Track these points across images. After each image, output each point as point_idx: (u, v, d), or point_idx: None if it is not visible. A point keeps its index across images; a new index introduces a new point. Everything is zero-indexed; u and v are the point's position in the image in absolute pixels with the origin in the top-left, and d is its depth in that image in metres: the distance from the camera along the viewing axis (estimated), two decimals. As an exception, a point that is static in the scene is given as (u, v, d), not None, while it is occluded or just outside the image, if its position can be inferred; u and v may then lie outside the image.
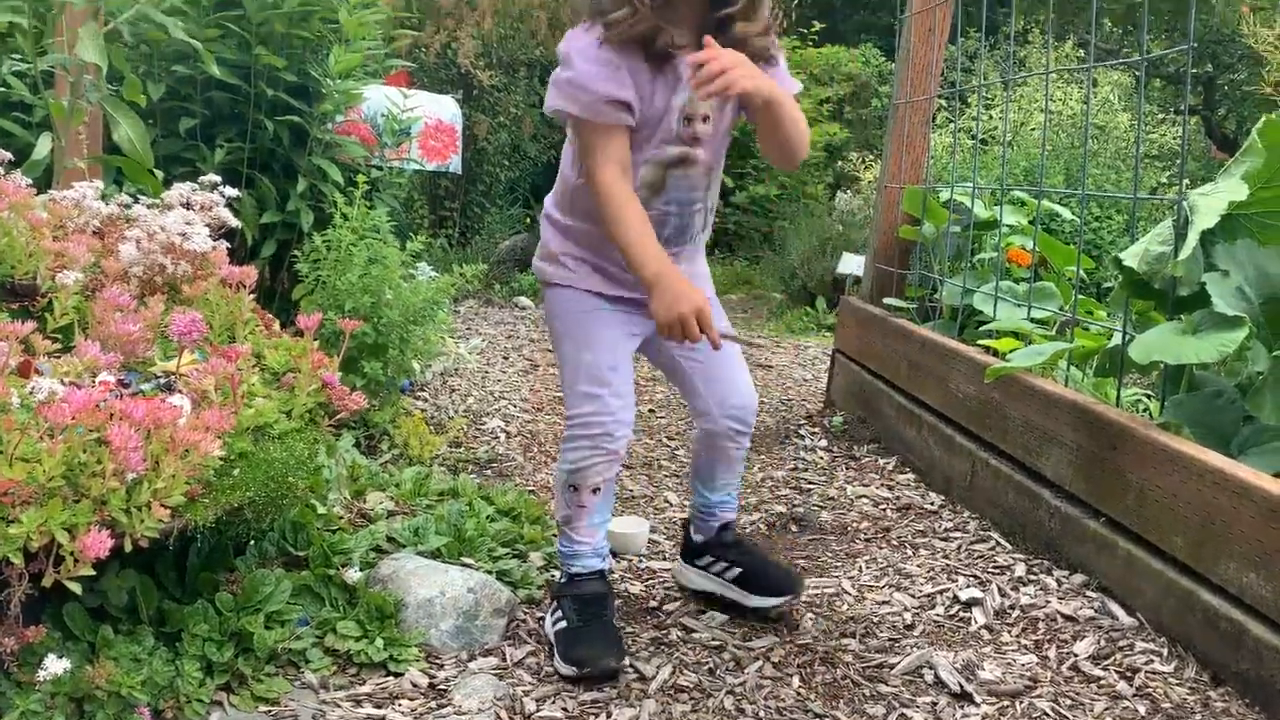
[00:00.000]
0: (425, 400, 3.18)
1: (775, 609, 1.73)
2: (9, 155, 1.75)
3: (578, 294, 1.66)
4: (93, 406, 1.17)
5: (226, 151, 2.95)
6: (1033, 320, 2.49)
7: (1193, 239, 1.80)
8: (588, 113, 1.49)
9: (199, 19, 2.94)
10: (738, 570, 1.76)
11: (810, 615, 1.77)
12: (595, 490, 1.62)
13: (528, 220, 6.94)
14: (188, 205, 1.81)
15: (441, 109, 4.74)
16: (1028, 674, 1.57)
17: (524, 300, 5.86)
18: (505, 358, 4.15)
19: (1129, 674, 1.57)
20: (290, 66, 3.00)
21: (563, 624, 1.57)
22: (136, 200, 1.88)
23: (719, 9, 1.50)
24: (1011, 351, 2.31)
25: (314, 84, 3.07)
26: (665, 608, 1.78)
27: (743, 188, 8.23)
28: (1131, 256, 1.99)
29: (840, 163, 9.85)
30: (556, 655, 1.54)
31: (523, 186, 7.21)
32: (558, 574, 1.72)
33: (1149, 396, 2.50)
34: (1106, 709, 1.48)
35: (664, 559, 2.00)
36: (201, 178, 1.89)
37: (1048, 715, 1.46)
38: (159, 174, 2.09)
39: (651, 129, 1.54)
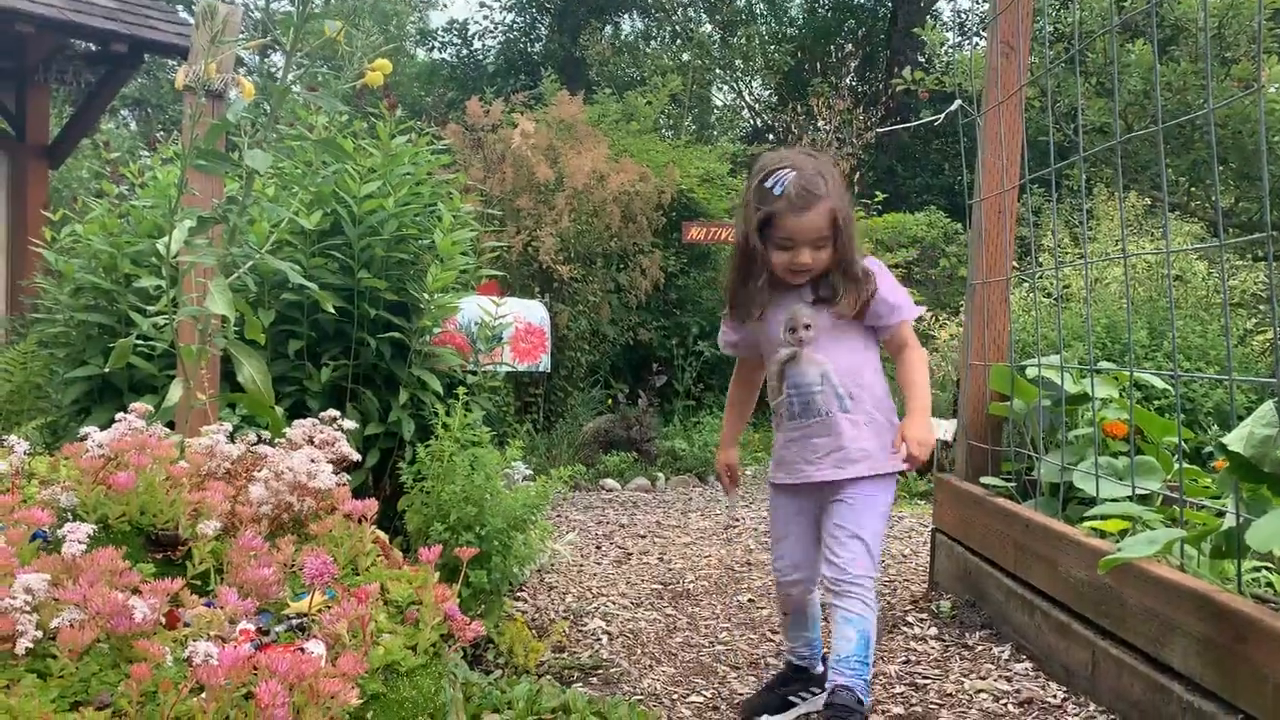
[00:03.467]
0: (524, 600, 3.20)
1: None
2: (150, 407, 1.88)
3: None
4: (241, 663, 1.23)
5: (332, 369, 3.11)
6: (1136, 500, 2.46)
7: (1299, 422, 1.79)
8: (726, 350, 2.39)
9: (305, 248, 3.16)
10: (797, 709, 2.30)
11: (942, 833, 1.71)
12: (785, 613, 2.32)
13: (609, 401, 7.07)
14: (310, 441, 1.92)
15: (531, 313, 4.94)
16: None
17: (610, 483, 5.92)
18: (598, 547, 4.17)
19: None
20: (390, 286, 3.19)
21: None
22: (260, 439, 1.99)
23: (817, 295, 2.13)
24: (1121, 534, 2.27)
25: (412, 300, 3.25)
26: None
27: (819, 355, 8.30)
28: (1236, 441, 1.97)
29: (916, 322, 9.91)
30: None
31: (603, 368, 7.39)
32: None
33: (1270, 569, 2.42)
34: None
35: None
36: (321, 413, 2.00)
37: None
38: (279, 410, 2.21)
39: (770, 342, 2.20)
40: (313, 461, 1.78)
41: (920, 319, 10.17)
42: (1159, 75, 5.88)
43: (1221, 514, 2.27)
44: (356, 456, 1.96)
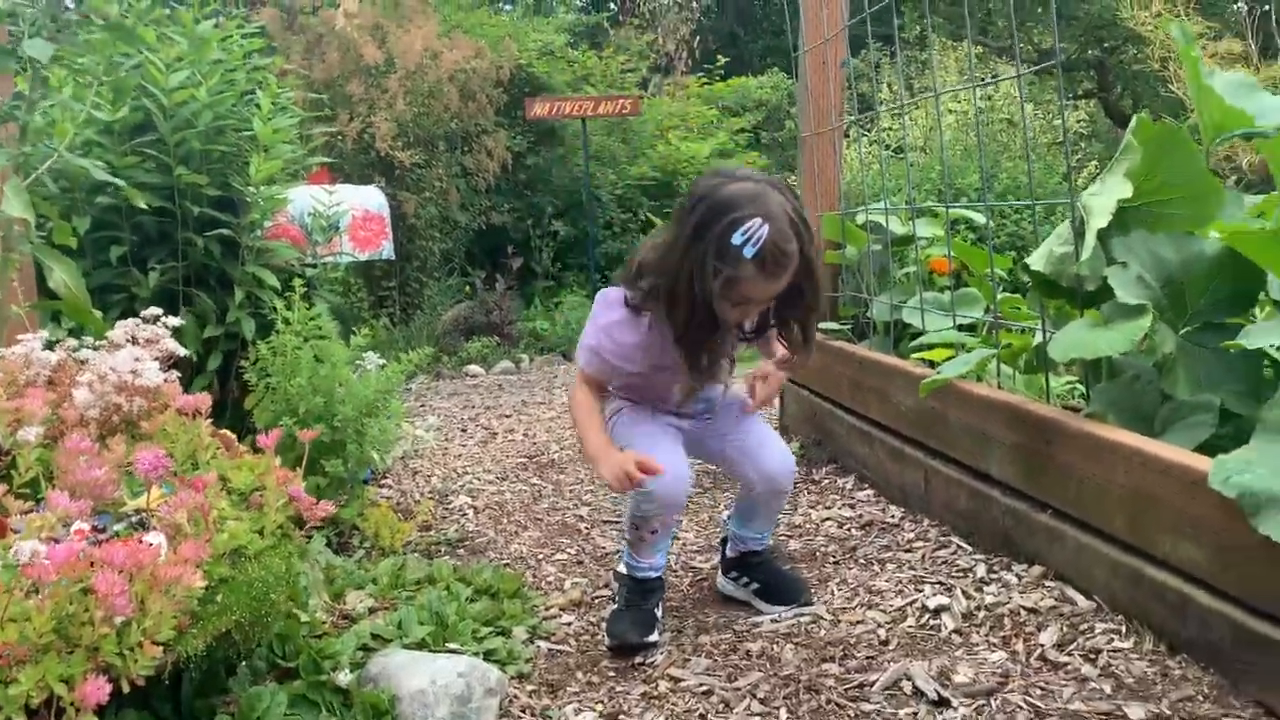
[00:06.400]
0: (390, 487, 3.22)
1: (786, 614, 2.00)
2: (-48, 319, 1.79)
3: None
4: (74, 559, 1.22)
5: (160, 274, 2.99)
6: (961, 327, 2.61)
7: (1090, 239, 1.92)
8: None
9: (114, 148, 2.99)
10: (757, 584, 2.08)
11: (790, 646, 1.84)
12: (653, 531, 1.95)
13: (467, 289, 7.01)
14: (134, 341, 1.86)
15: (367, 199, 4.80)
16: (999, 671, 1.66)
17: (474, 369, 5.92)
18: (463, 430, 4.20)
19: (1092, 656, 1.66)
20: (212, 182, 3.05)
21: (613, 605, 2.02)
22: (81, 343, 1.92)
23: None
24: (944, 361, 2.42)
25: (238, 195, 3.13)
26: (651, 660, 1.84)
27: (672, 225, 8.36)
28: (1038, 260, 2.11)
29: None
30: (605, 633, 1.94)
31: (457, 256, 7.29)
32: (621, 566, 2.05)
33: (1083, 382, 2.62)
34: (1075, 693, 1.56)
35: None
36: (143, 311, 1.94)
37: (1021, 708, 1.54)
38: (97, 313, 2.13)
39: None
40: (136, 360, 1.73)
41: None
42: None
43: (1034, 335, 2.43)
44: (183, 351, 1.91)
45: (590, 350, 1.90)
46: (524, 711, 1.67)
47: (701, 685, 1.72)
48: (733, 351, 1.92)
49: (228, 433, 1.95)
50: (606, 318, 1.88)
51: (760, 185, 1.69)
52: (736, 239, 1.63)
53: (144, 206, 2.47)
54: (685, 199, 1.75)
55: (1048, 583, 1.92)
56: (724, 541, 2.18)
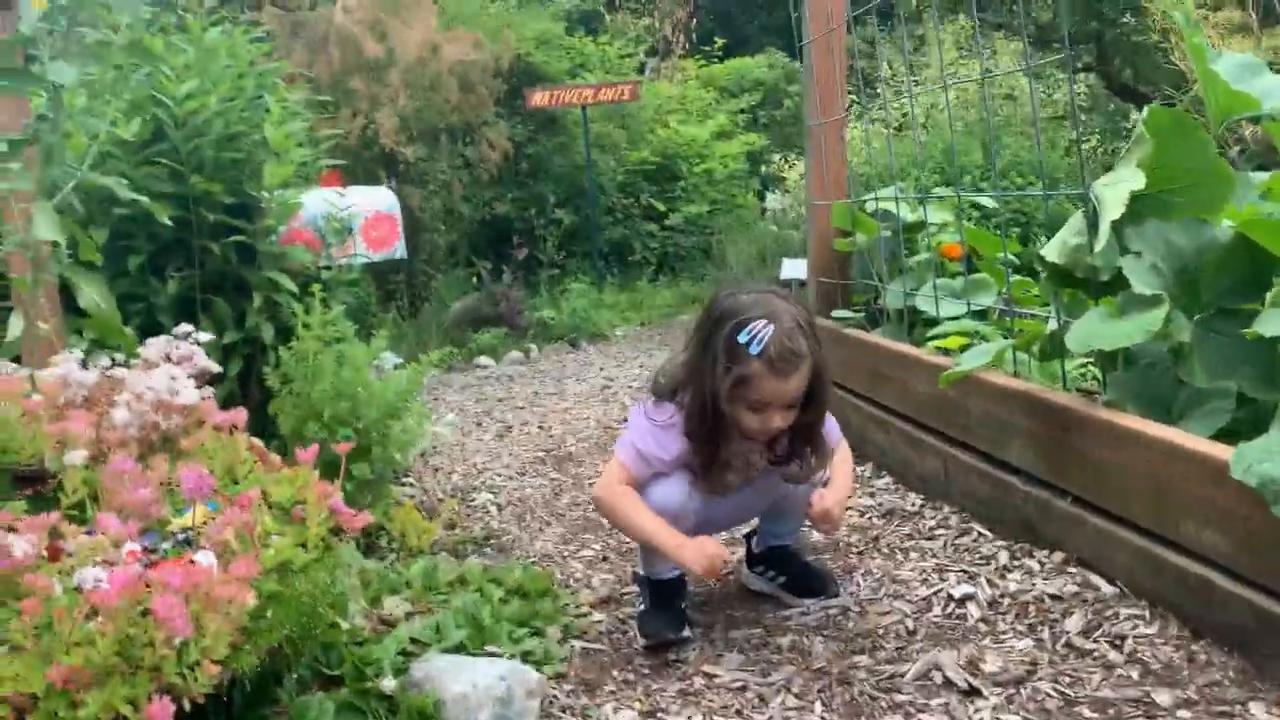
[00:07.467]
0: (411, 485, 3.26)
1: (814, 606, 2.02)
2: (-10, 345, 1.82)
3: None
4: (134, 582, 1.26)
5: (178, 281, 3.02)
6: (974, 315, 2.64)
7: (1105, 230, 1.94)
8: None
9: (128, 159, 3.01)
10: (784, 578, 2.10)
11: (820, 638, 1.88)
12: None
13: (474, 280, 7.03)
14: (168, 358, 1.89)
15: (378, 200, 4.83)
16: (1027, 659, 1.69)
17: (484, 360, 5.95)
18: (479, 424, 4.23)
19: (1118, 642, 1.70)
20: (226, 188, 3.08)
21: (640, 607, 2.02)
22: (114, 361, 1.95)
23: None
24: (962, 349, 2.45)
25: (252, 200, 3.15)
26: (684, 657, 1.88)
27: (675, 209, 8.39)
28: (1051, 250, 2.13)
29: (764, 167, 10.06)
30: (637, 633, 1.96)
31: (463, 248, 7.31)
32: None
33: (1098, 367, 2.65)
34: (1103, 680, 1.60)
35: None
36: (175, 330, 1.97)
37: (1051, 696, 1.58)
38: (129, 330, 2.16)
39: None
40: (173, 379, 1.77)
41: (770, 161, 10.29)
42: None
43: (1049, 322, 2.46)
44: (217, 368, 1.95)
45: (635, 453, 1.90)
46: (564, 711, 1.72)
47: (736, 681, 1.76)
48: (756, 467, 1.94)
49: (259, 443, 1.99)
50: (651, 422, 1.92)
51: (765, 293, 1.85)
52: (743, 338, 1.76)
53: (166, 220, 2.49)
54: (702, 312, 1.90)
55: (1070, 568, 1.96)
56: (749, 536, 2.21)
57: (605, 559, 2.46)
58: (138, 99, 3.01)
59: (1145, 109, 2.01)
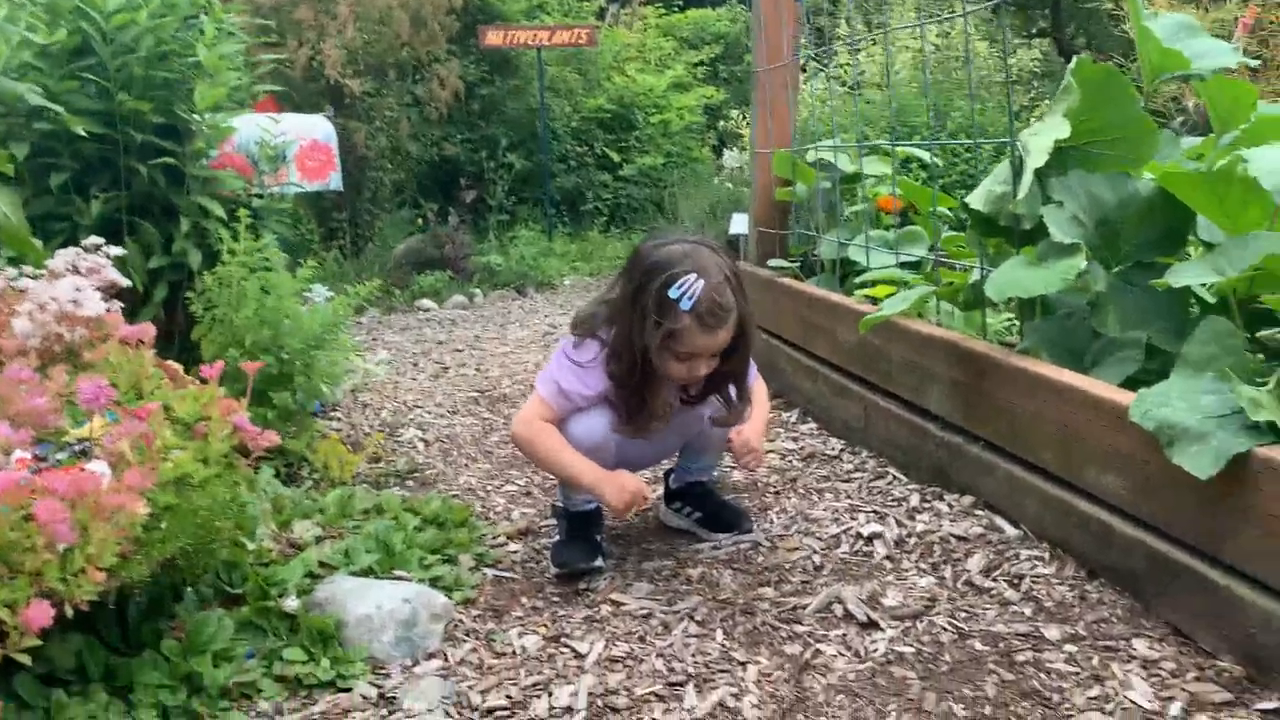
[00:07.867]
0: (339, 420, 3.23)
1: (726, 541, 2.05)
2: (-115, 247, 1.76)
3: None
4: (15, 486, 1.23)
5: (103, 202, 2.93)
6: (905, 265, 2.65)
7: (1028, 177, 1.96)
8: None
9: (52, 72, 2.91)
10: (700, 514, 2.13)
11: (729, 571, 1.90)
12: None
13: (420, 221, 6.94)
14: (74, 270, 1.84)
15: (314, 129, 4.73)
16: (926, 595, 1.72)
17: (426, 303, 5.89)
18: (415, 364, 4.20)
19: (1016, 581, 1.74)
20: (155, 108, 2.99)
21: (556, 537, 2.04)
22: (20, 272, 1.90)
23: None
24: (886, 299, 2.46)
25: (182, 123, 3.07)
26: (594, 586, 1.89)
27: (629, 160, 8.33)
28: (976, 199, 2.14)
29: (722, 122, 10.01)
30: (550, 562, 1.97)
31: (410, 188, 7.20)
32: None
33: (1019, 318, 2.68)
34: (997, 615, 1.64)
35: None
36: (84, 240, 1.92)
37: (945, 629, 1.61)
38: (38, 242, 2.10)
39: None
40: (77, 290, 1.72)
41: (728, 117, 10.25)
42: None
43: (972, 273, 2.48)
44: (125, 281, 1.90)
45: (557, 389, 1.90)
46: (468, 635, 1.72)
47: (642, 609, 1.77)
48: (672, 409, 1.93)
49: (173, 363, 1.95)
50: (574, 363, 1.91)
51: (694, 245, 1.84)
52: (674, 294, 1.77)
53: (83, 133, 2.42)
54: (626, 260, 1.90)
55: (978, 511, 1.99)
56: (668, 474, 2.22)
57: (528, 494, 2.46)
58: (62, 9, 2.90)
59: (1074, 59, 2.02)
